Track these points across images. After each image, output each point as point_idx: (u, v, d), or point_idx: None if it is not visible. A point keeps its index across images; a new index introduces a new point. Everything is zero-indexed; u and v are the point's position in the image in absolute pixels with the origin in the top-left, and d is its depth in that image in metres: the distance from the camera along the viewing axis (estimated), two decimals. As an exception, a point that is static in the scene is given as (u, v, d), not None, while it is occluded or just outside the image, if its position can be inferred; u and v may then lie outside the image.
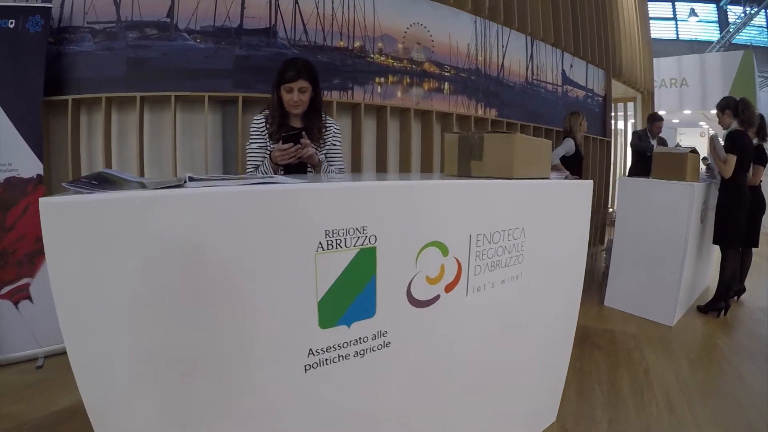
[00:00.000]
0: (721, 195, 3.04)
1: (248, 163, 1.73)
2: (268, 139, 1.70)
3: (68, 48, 2.38)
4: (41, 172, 2.20)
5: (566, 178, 1.64)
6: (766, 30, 12.88)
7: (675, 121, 10.14)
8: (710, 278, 3.76)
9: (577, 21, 4.66)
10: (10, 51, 2.13)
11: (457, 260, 1.15)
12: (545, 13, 4.22)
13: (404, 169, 3.33)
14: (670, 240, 2.84)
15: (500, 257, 1.26)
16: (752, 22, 11.85)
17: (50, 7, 2.25)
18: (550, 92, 4.37)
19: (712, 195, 3.17)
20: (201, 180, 0.85)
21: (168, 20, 2.51)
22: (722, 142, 3.06)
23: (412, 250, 1.04)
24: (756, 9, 12.18)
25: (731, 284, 3.07)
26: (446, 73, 3.46)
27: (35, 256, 2.18)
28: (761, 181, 3.29)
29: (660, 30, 14.32)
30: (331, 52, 2.90)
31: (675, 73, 9.12)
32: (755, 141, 3.15)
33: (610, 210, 4.29)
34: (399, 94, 3.23)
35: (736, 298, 3.42)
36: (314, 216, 0.86)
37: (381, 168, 3.22)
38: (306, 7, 2.81)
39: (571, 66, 4.63)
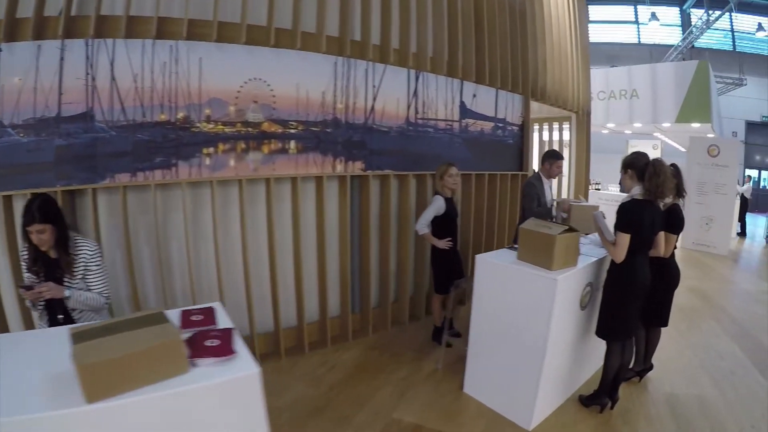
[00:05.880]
0: (607, 281, 2.49)
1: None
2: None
3: None
4: None
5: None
6: (730, 34, 12.52)
7: (627, 132, 9.74)
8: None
9: (482, 47, 4.25)
10: None
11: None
12: (438, 42, 3.79)
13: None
14: (531, 334, 2.34)
15: None
16: (715, 25, 11.48)
17: None
18: (442, 130, 3.96)
19: (602, 274, 2.60)
20: None
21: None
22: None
23: None
24: (719, 12, 11.81)
25: (618, 378, 2.59)
26: (292, 130, 3.04)
27: None
28: (675, 250, 2.74)
29: (622, 34, 13.95)
30: (151, 128, 2.70)
31: (625, 84, 8.65)
32: (668, 200, 2.54)
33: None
34: (232, 162, 2.89)
35: (638, 379, 2.98)
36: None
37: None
38: (123, 84, 2.61)
39: (474, 96, 4.23)
